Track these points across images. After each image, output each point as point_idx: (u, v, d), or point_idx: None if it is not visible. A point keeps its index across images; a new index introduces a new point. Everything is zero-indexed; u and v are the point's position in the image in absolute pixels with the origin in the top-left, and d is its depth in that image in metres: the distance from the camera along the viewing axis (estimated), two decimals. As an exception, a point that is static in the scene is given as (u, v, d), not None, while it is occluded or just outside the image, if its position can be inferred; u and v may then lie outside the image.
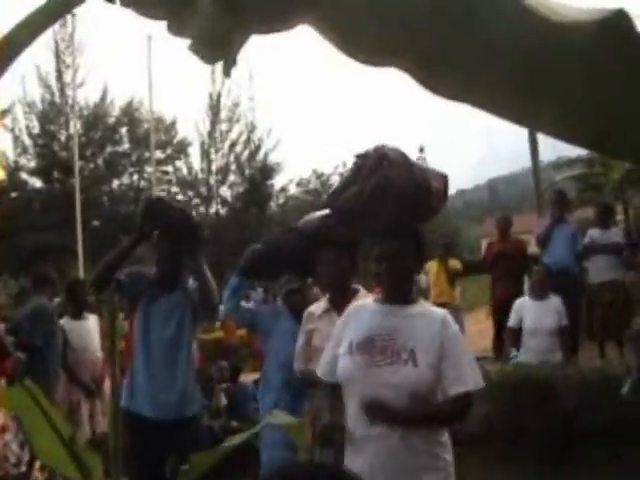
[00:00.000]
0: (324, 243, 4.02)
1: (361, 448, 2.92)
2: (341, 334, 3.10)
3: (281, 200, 42.77)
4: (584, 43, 0.78)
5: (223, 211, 37.86)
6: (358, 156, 3.17)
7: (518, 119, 0.88)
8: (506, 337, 7.87)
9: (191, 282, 4.70)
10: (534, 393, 6.45)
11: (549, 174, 20.88)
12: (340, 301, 3.95)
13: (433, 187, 3.07)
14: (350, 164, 3.43)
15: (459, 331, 3.12)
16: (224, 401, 7.31)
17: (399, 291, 3.04)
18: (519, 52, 0.82)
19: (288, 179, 41.92)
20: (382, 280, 3.04)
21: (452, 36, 0.84)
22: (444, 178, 3.23)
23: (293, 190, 44.57)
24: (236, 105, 37.44)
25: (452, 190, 3.39)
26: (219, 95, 36.08)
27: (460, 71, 0.84)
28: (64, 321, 7.05)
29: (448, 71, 0.88)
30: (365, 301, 3.31)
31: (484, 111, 0.88)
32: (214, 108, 36.61)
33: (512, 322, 7.20)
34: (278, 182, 41.04)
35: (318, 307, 4.18)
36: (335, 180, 43.80)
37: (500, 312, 8.25)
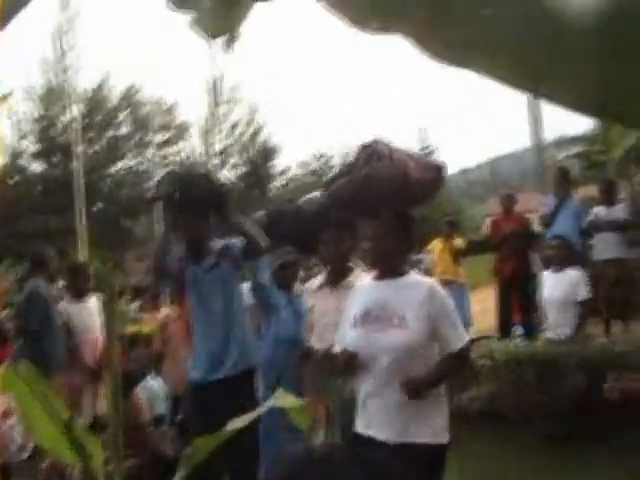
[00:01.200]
0: (325, 222, 4.19)
1: (365, 405, 3.33)
2: (349, 310, 3.49)
3: (282, 181, 42.72)
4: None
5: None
6: (359, 149, 3.66)
7: (521, 84, 0.82)
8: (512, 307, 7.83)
9: (222, 242, 4.64)
10: (539, 371, 6.41)
11: (551, 153, 20.70)
12: (336, 277, 4.26)
13: (413, 178, 3.51)
14: (351, 146, 3.92)
15: (446, 296, 3.45)
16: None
17: (382, 267, 3.44)
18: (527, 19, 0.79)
19: (290, 160, 41.88)
20: (366, 258, 3.57)
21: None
22: (439, 168, 3.66)
23: (294, 171, 44.53)
24: (236, 87, 37.34)
25: (455, 169, 3.75)
26: (220, 76, 35.96)
27: (463, 32, 0.81)
28: (65, 303, 7.01)
29: (452, 32, 0.82)
30: (365, 279, 3.70)
31: (486, 75, 0.83)
32: (214, 90, 36.48)
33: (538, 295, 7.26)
34: (279, 164, 41.01)
35: (314, 282, 4.46)
36: (336, 161, 43.90)
37: (506, 290, 8.21)
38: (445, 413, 3.39)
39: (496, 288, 8.99)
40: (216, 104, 36.65)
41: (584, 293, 6.94)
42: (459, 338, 3.35)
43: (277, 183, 42.33)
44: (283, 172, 42.58)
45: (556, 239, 7.18)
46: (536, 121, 14.80)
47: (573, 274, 7.00)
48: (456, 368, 3.51)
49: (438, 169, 3.65)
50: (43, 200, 29.36)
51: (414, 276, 3.52)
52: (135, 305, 19.77)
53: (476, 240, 13.74)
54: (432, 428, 3.29)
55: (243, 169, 38.62)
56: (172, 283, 5.08)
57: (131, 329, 9.70)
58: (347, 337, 3.42)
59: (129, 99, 33.96)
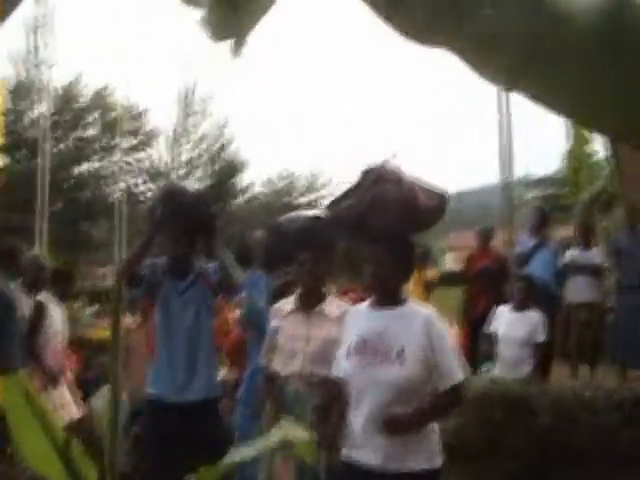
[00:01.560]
0: (304, 244, 4.17)
1: (360, 435, 3.27)
2: (343, 338, 3.44)
3: (244, 198, 42.58)
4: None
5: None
6: (364, 171, 3.54)
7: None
8: (480, 343, 7.72)
9: (203, 264, 4.73)
10: (507, 409, 6.32)
11: (518, 192, 20.82)
12: (309, 302, 4.16)
13: (421, 204, 3.43)
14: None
15: (444, 328, 3.42)
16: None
17: (382, 294, 3.39)
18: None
19: (254, 177, 41.72)
20: (368, 282, 3.46)
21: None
22: (441, 196, 3.58)
23: (259, 189, 44.40)
24: (208, 99, 37.18)
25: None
26: (193, 87, 35.79)
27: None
28: (26, 306, 6.71)
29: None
30: (360, 306, 3.60)
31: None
32: (186, 100, 36.31)
33: (489, 328, 7.08)
34: (244, 180, 40.90)
35: (287, 304, 4.29)
36: (304, 181, 43.92)
37: (478, 326, 8.09)
38: (437, 434, 3.36)
39: (465, 323, 8.88)
40: (186, 114, 36.46)
41: (542, 336, 6.89)
42: (454, 373, 3.29)
43: (240, 199, 42.17)
44: (247, 188, 42.45)
45: (522, 278, 7.12)
46: (506, 158, 14.80)
47: (534, 315, 6.95)
48: (449, 405, 3.43)
49: (442, 197, 3.59)
50: (4, 195, 28.77)
51: (412, 305, 3.46)
52: (91, 310, 19.43)
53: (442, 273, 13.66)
54: (428, 452, 3.27)
55: (208, 182, 38.39)
56: (143, 293, 4.98)
57: (91, 335, 9.45)
58: (341, 366, 3.37)
59: (100, 101, 33.55)
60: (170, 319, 4.61)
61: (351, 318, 3.53)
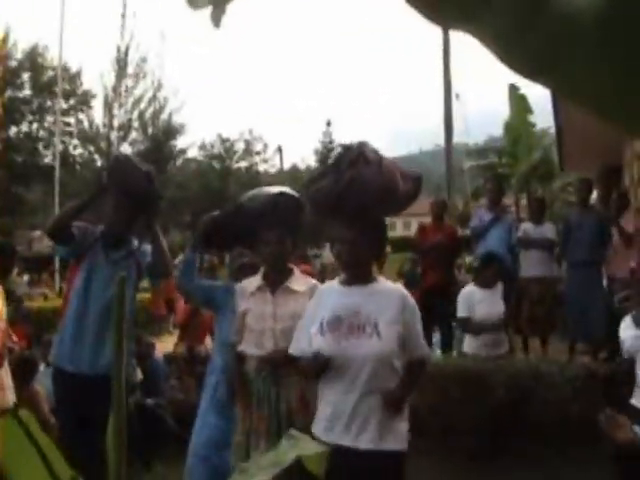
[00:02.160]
0: (268, 221, 4.09)
1: (334, 412, 3.33)
2: (313, 314, 3.48)
3: (180, 162, 42.08)
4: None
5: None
6: (343, 147, 3.68)
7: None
8: (456, 328, 7.68)
9: (136, 244, 4.72)
10: (462, 385, 6.31)
11: (456, 160, 20.88)
12: (275, 279, 4.10)
13: (400, 187, 3.50)
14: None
15: (415, 304, 3.50)
16: (139, 377, 6.80)
17: (356, 272, 3.45)
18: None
19: (191, 141, 41.29)
20: (340, 261, 3.48)
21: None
22: (417, 179, 3.64)
23: (195, 153, 43.91)
24: (144, 61, 36.42)
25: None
26: (127, 49, 34.98)
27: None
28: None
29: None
30: (331, 283, 3.68)
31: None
32: (121, 62, 35.48)
33: (463, 312, 6.89)
34: (180, 144, 40.38)
35: (251, 284, 4.19)
36: (240, 146, 43.63)
37: (429, 298, 8.05)
38: (407, 419, 3.46)
39: (415, 296, 8.83)
40: (122, 76, 35.65)
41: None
42: (423, 346, 3.54)
43: (177, 163, 41.63)
44: (182, 151, 41.92)
45: (491, 257, 7.07)
46: (449, 127, 14.84)
47: (500, 288, 6.93)
48: (420, 374, 3.61)
49: (418, 179, 3.66)
50: None
51: (383, 282, 3.54)
52: (26, 278, 18.90)
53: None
54: (401, 435, 3.37)
55: (143, 145, 37.72)
56: (70, 254, 4.83)
57: (30, 306, 9.13)
58: (314, 343, 3.40)
59: (32, 60, 32.49)
60: (91, 286, 4.57)
61: (321, 295, 3.59)
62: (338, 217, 3.50)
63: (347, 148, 3.61)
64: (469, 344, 6.93)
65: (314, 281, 4.27)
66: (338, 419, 3.31)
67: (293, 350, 3.58)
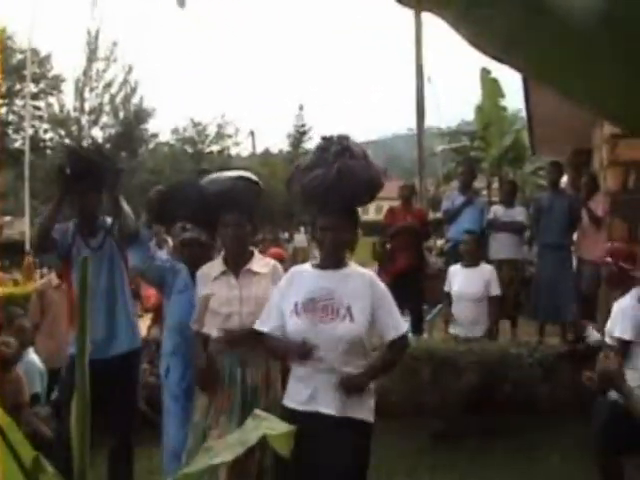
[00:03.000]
0: (228, 205, 4.14)
1: (308, 384, 3.52)
2: (285, 294, 3.65)
3: (151, 145, 41.79)
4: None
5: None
6: (324, 139, 3.77)
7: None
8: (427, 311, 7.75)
9: (109, 221, 4.73)
10: (433, 368, 6.34)
11: (428, 144, 20.90)
12: (237, 262, 4.17)
13: (381, 180, 3.76)
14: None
15: (384, 287, 3.69)
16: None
17: (335, 257, 3.65)
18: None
19: (161, 125, 41.03)
20: (323, 247, 3.66)
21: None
22: (384, 172, 3.86)
23: (167, 137, 43.60)
24: (114, 44, 36.06)
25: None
26: (97, 32, 34.62)
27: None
28: None
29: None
30: (303, 266, 3.86)
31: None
32: (91, 45, 35.12)
33: (446, 287, 7.15)
34: (151, 128, 40.08)
35: (213, 268, 4.25)
36: (212, 130, 43.35)
37: (399, 281, 8.07)
38: (373, 396, 3.65)
39: (386, 279, 8.86)
40: (92, 59, 35.30)
41: (497, 289, 6.95)
42: (396, 327, 3.63)
43: (148, 147, 41.35)
44: (154, 135, 41.63)
45: (469, 234, 7.14)
46: (421, 109, 14.80)
47: (486, 269, 6.99)
48: (393, 356, 3.76)
49: (385, 172, 3.91)
50: None
51: (354, 267, 3.71)
52: (-4, 264, 18.68)
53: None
54: (367, 408, 3.57)
55: (113, 130, 37.42)
56: (59, 257, 4.93)
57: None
58: (289, 324, 3.57)
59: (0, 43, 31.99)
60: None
61: (294, 277, 3.74)
62: (325, 206, 3.66)
63: (328, 139, 3.77)
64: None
65: (273, 261, 4.38)
66: (307, 390, 3.51)
67: (262, 326, 3.70)
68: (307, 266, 3.82)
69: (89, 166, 4.55)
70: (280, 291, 3.73)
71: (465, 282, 6.94)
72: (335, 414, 3.46)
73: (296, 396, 3.57)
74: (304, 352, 3.49)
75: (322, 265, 3.70)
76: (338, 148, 3.66)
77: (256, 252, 4.36)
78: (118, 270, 4.73)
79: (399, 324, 3.67)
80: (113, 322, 4.66)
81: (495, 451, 5.92)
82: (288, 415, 3.41)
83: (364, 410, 3.55)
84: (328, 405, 3.47)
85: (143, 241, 4.65)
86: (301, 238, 22.98)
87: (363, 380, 3.54)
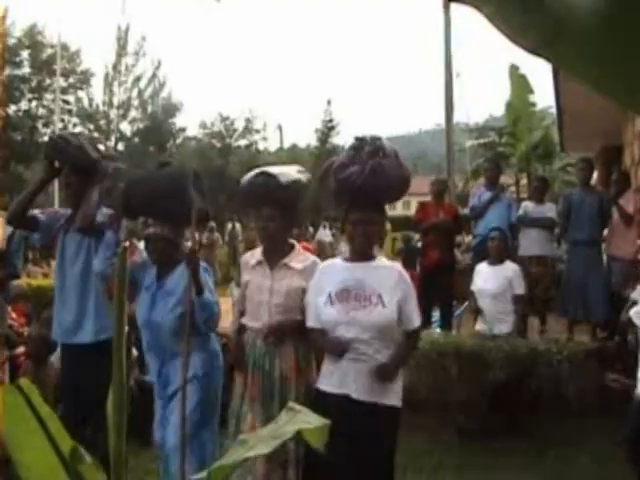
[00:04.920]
0: (263, 200, 4.25)
1: (341, 369, 3.71)
2: (320, 286, 3.88)
3: (179, 140, 41.99)
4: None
5: (121, 146, 36.87)
6: (357, 139, 3.98)
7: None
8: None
9: (100, 215, 4.79)
10: (460, 363, 6.31)
11: (456, 138, 20.72)
12: (274, 255, 4.30)
13: (410, 178, 4.01)
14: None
15: (410, 281, 3.94)
16: (135, 353, 6.76)
17: (365, 250, 3.87)
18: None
19: (190, 119, 41.22)
20: (353, 240, 3.88)
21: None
22: (409, 170, 4.09)
23: (195, 131, 43.78)
24: (143, 39, 36.28)
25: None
26: (127, 27, 34.84)
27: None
28: None
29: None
30: (334, 260, 4.14)
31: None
32: (121, 40, 35.36)
33: (472, 285, 7.18)
34: (179, 122, 40.24)
35: (253, 257, 4.43)
36: (240, 124, 43.46)
37: (429, 277, 8.06)
38: (401, 381, 3.87)
39: (418, 275, 8.83)
40: (121, 54, 35.55)
41: (521, 288, 6.91)
42: (417, 318, 3.90)
43: (176, 141, 41.56)
44: (182, 130, 41.82)
45: (495, 231, 7.10)
46: (449, 105, 14.70)
47: (510, 268, 6.95)
48: (415, 345, 4.09)
49: (410, 172, 4.10)
50: None
51: (382, 260, 3.96)
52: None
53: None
54: (396, 394, 3.77)
55: (142, 124, 37.66)
56: (45, 239, 5.10)
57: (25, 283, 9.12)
58: (323, 314, 3.80)
59: (31, 38, 32.30)
60: (64, 264, 4.85)
61: (326, 270, 3.98)
62: (358, 201, 3.84)
63: (361, 139, 3.96)
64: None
65: (313, 257, 4.46)
66: (338, 375, 3.72)
67: (311, 323, 3.93)
68: (338, 260, 4.09)
69: (72, 159, 4.76)
70: (313, 286, 3.96)
71: (487, 279, 6.94)
72: (366, 400, 3.65)
73: (329, 380, 3.78)
74: (342, 351, 3.69)
75: (352, 258, 3.92)
76: (372, 148, 3.88)
77: (297, 246, 4.45)
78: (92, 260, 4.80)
79: (418, 316, 3.93)
80: (82, 311, 4.77)
81: (523, 451, 5.87)
82: (321, 398, 3.76)
83: (393, 396, 3.74)
84: (358, 391, 3.66)
85: (108, 243, 4.59)
86: (325, 233, 23.00)
87: (394, 369, 3.75)
